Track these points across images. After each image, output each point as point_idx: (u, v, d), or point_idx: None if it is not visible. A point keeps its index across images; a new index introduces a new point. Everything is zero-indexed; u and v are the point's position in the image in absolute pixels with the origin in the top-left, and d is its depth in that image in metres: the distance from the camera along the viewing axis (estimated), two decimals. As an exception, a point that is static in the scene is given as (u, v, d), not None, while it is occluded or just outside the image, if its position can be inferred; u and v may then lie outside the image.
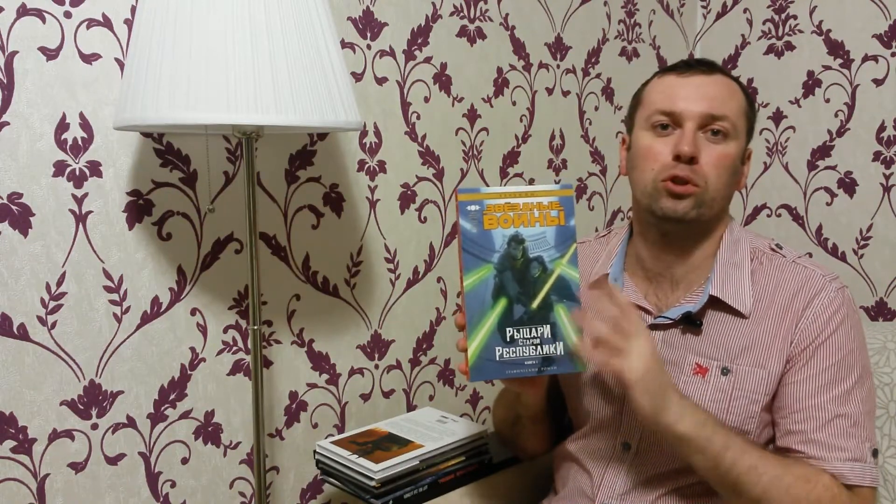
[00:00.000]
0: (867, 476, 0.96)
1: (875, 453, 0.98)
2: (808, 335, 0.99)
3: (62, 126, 1.04)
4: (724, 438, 0.92)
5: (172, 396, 1.19)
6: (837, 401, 0.98)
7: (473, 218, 0.94)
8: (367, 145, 1.37)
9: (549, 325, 0.94)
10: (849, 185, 1.75)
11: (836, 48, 1.75)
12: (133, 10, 1.09)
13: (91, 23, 1.06)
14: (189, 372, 1.20)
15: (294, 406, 1.34)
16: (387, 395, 1.47)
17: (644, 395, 0.89)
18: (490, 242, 0.94)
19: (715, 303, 1.03)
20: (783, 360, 1.00)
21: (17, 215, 1.02)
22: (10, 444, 1.04)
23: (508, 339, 0.92)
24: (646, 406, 0.90)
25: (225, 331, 1.24)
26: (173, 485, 1.20)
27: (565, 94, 1.71)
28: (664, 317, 1.05)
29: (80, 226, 1.07)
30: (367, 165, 1.37)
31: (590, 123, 1.77)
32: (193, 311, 1.20)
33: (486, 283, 0.93)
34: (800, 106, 1.81)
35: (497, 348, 0.92)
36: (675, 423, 0.91)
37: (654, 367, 0.90)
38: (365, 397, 1.44)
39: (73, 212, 1.07)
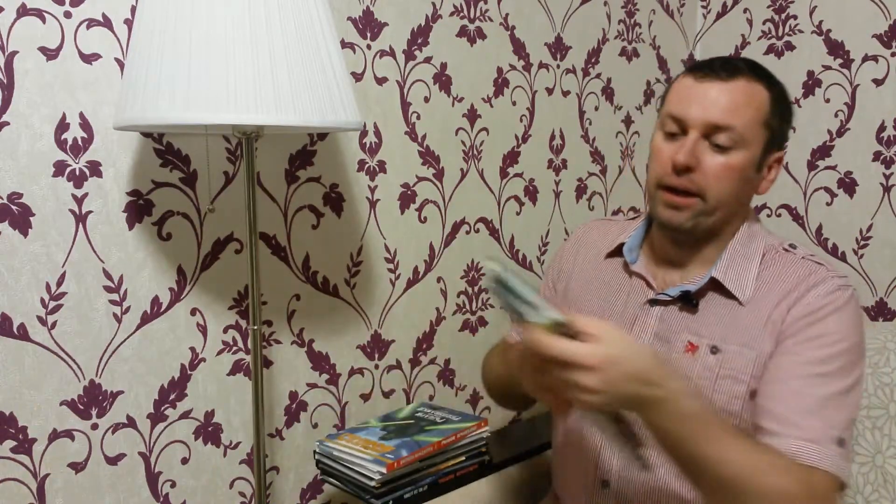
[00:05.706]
0: (824, 459, 0.89)
1: (841, 442, 0.91)
2: (800, 314, 0.97)
3: (62, 126, 1.04)
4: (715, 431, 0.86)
5: (172, 396, 1.19)
6: (813, 381, 0.93)
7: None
8: (367, 145, 1.37)
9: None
10: (849, 185, 1.75)
11: (836, 48, 1.75)
12: (133, 10, 1.09)
13: (91, 23, 1.06)
14: (189, 372, 1.20)
15: (294, 406, 1.34)
16: (387, 395, 1.47)
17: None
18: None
19: (715, 286, 1.04)
20: (773, 341, 0.98)
21: (17, 215, 1.02)
22: (10, 444, 1.04)
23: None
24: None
25: (225, 331, 1.24)
26: (173, 485, 1.20)
27: (565, 94, 1.71)
28: (664, 294, 1.06)
29: (80, 226, 1.07)
30: (367, 165, 1.37)
31: (590, 123, 1.77)
32: (193, 311, 1.20)
33: None
34: (800, 106, 1.81)
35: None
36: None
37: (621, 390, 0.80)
38: (365, 397, 1.44)
39: (73, 212, 1.07)
